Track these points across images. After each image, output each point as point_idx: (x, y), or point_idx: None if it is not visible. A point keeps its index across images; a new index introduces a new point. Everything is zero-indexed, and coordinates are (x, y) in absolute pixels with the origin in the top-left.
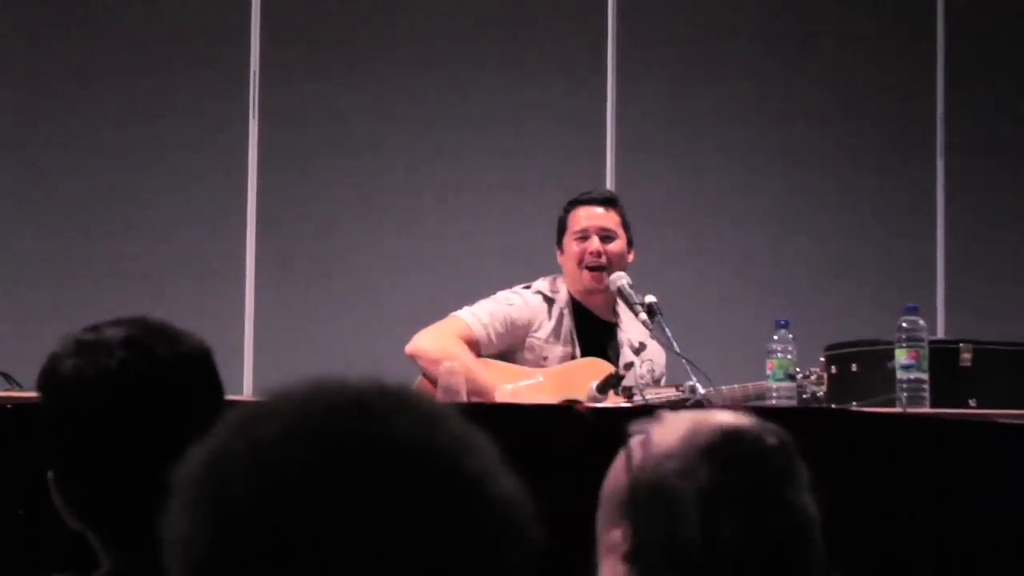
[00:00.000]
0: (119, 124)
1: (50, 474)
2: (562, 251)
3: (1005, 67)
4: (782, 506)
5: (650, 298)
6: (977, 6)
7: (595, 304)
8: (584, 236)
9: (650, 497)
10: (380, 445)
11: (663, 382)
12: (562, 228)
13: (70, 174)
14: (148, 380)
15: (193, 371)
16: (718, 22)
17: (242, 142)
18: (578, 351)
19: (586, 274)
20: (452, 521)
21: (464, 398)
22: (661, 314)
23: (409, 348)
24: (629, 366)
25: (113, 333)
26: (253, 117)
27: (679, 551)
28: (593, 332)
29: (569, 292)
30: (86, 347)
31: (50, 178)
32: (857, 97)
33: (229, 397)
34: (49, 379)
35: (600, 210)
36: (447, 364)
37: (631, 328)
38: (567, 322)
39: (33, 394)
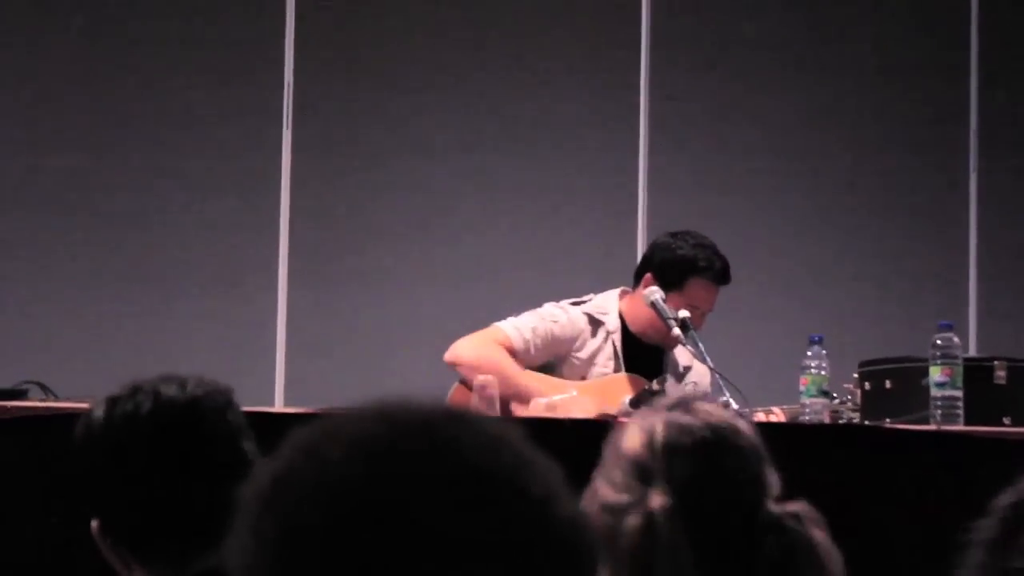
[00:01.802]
0: (154, 135)
1: (94, 523)
2: (660, 290)
3: None
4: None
5: (683, 313)
6: (1012, 22)
7: (649, 338)
8: (693, 310)
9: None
10: (446, 467)
11: None
12: (678, 279)
13: (104, 184)
14: (165, 418)
15: (209, 412)
16: (750, 48)
17: (276, 153)
18: (622, 371)
19: (671, 338)
20: (517, 544)
21: (498, 411)
22: (694, 328)
23: (448, 355)
24: (663, 380)
25: (138, 386)
26: (287, 128)
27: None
28: (640, 355)
29: (622, 317)
30: (111, 399)
31: (85, 189)
32: (890, 114)
33: (262, 409)
34: (80, 430)
35: (718, 289)
36: (480, 378)
37: (679, 351)
38: (613, 346)
39: (68, 405)
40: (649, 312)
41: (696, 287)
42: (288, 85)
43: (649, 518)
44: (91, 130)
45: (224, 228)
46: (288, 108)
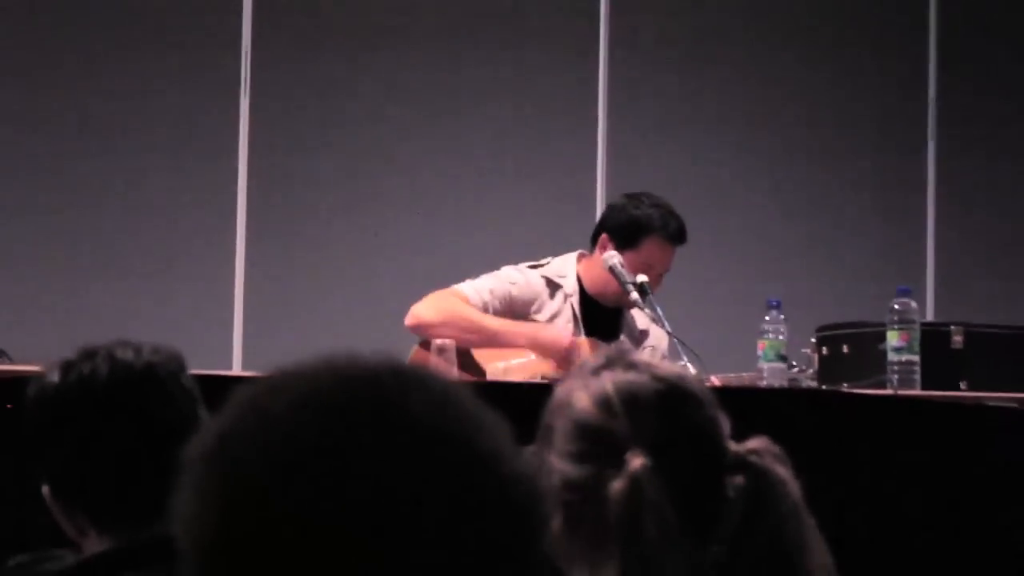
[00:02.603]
0: (109, 102)
1: (45, 488)
2: (613, 247)
3: (996, 54)
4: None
5: (641, 277)
6: None
7: (606, 300)
8: (648, 270)
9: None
10: (393, 422)
11: None
12: (631, 238)
13: (59, 153)
14: (121, 382)
15: (163, 375)
16: (713, 11)
17: (233, 120)
18: (581, 334)
19: (626, 297)
20: (464, 499)
21: (457, 372)
22: (652, 293)
23: (409, 320)
24: (621, 345)
25: (91, 349)
26: (244, 95)
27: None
28: (599, 318)
29: (579, 280)
30: (64, 362)
31: (39, 157)
32: (849, 83)
33: (219, 372)
34: (32, 393)
35: (674, 250)
36: (437, 342)
37: (637, 315)
38: (571, 309)
39: (25, 367)
40: (606, 275)
41: (651, 246)
42: (246, 53)
43: (634, 480)
44: (45, 102)
45: (181, 196)
46: (246, 76)
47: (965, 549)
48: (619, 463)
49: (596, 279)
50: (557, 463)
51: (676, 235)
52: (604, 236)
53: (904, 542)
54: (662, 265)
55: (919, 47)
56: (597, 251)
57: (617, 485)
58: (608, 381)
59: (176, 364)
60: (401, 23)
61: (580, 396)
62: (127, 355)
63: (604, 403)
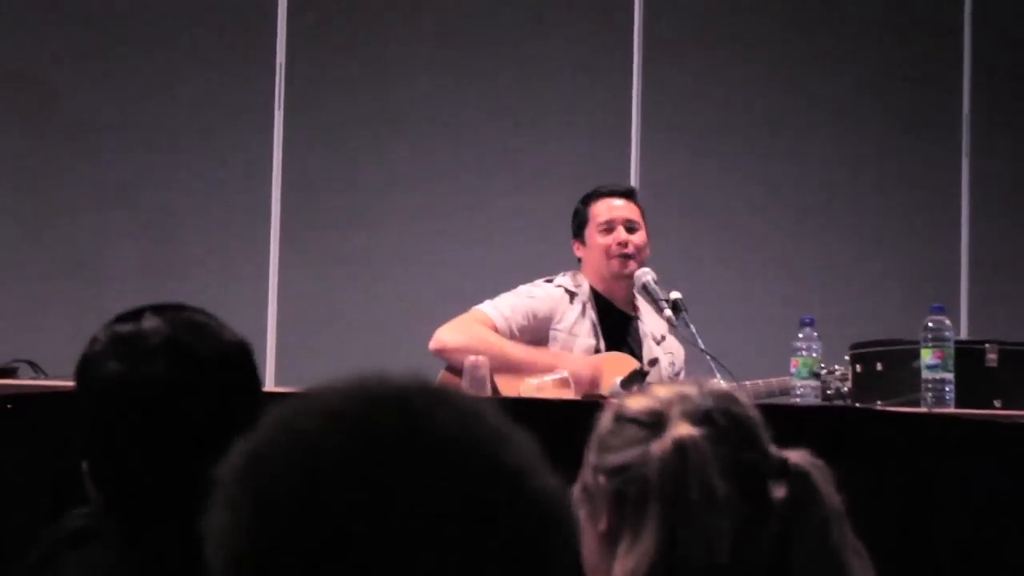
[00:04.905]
0: (146, 112)
1: (84, 465)
2: (582, 244)
3: None
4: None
5: (675, 294)
6: (1005, 5)
7: (617, 296)
8: (610, 228)
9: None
10: (421, 440)
11: (682, 376)
12: (582, 221)
13: (94, 160)
14: (188, 383)
15: (232, 370)
16: (745, 21)
17: (267, 133)
18: (602, 344)
19: (615, 262)
20: (491, 516)
21: (489, 391)
22: (686, 311)
23: (433, 344)
24: (654, 362)
25: (152, 331)
26: (278, 108)
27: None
28: (615, 324)
29: (590, 285)
30: (126, 347)
31: (74, 162)
32: (883, 97)
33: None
34: (88, 376)
35: (621, 202)
36: (471, 358)
37: (650, 320)
38: (590, 315)
39: (59, 383)
40: (600, 257)
41: (596, 208)
42: (280, 66)
43: (678, 444)
44: (80, 108)
45: (215, 209)
46: (280, 90)
47: (999, 568)
48: (667, 433)
49: (595, 269)
50: (601, 459)
51: (610, 189)
52: (574, 241)
53: (936, 561)
54: (618, 216)
55: (953, 61)
56: (580, 253)
57: (660, 447)
58: (661, 386)
59: (246, 367)
60: (434, 36)
61: (633, 398)
62: (204, 352)
63: (654, 397)
